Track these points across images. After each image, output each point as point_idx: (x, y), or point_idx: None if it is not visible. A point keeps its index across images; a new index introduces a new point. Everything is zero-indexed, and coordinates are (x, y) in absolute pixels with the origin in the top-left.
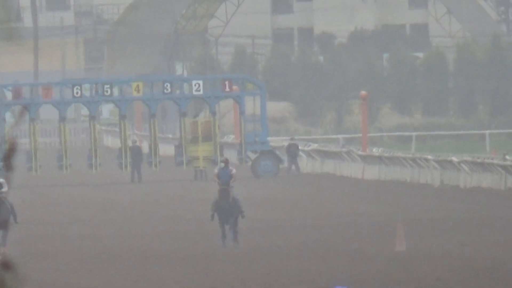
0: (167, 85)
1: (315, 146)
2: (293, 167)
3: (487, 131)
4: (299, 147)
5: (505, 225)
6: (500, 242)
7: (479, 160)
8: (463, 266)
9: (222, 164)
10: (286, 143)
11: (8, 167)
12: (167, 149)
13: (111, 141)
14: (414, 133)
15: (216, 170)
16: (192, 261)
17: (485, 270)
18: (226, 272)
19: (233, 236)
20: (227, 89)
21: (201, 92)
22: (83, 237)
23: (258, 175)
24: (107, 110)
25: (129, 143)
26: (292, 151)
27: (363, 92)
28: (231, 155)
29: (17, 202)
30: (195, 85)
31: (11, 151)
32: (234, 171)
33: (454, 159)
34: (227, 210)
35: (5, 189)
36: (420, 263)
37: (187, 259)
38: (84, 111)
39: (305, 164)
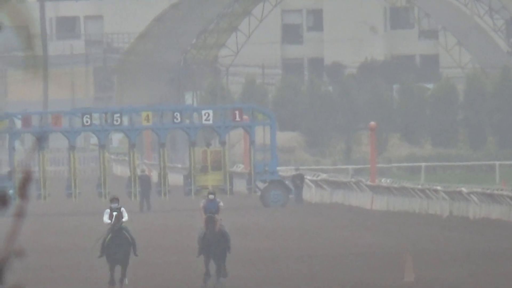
0: (177, 115)
1: (324, 176)
2: (296, 197)
3: (497, 162)
4: (305, 178)
5: None
6: (509, 274)
7: (488, 191)
8: None
9: (212, 196)
10: (292, 174)
11: (23, 196)
12: (176, 179)
13: (120, 170)
14: (423, 164)
15: (201, 203)
16: None
17: None
18: None
19: (217, 273)
20: (237, 118)
21: (211, 121)
22: (90, 265)
23: (267, 204)
24: (116, 139)
25: (138, 172)
26: (297, 182)
27: (372, 123)
28: (240, 185)
29: (25, 230)
30: (205, 114)
31: (26, 180)
32: (221, 203)
33: (464, 190)
34: (213, 241)
35: (125, 218)
36: None
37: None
38: (94, 140)
39: (314, 194)
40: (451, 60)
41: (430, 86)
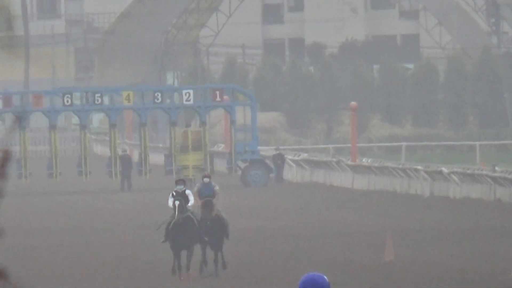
0: (157, 95)
1: (305, 155)
2: (277, 177)
3: (477, 143)
4: (286, 157)
5: (494, 236)
6: (489, 253)
7: (468, 171)
8: (452, 277)
9: (207, 179)
10: (272, 154)
11: (2, 175)
12: (157, 158)
13: (101, 150)
14: (404, 144)
15: (196, 187)
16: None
17: (474, 281)
18: (214, 280)
19: (215, 262)
20: (218, 99)
21: (192, 101)
22: (72, 245)
23: (247, 184)
24: (97, 119)
25: (119, 152)
26: (278, 161)
27: (353, 103)
28: (221, 165)
29: (6, 210)
30: (185, 94)
31: (5, 159)
32: (217, 187)
33: (444, 170)
34: (209, 226)
35: (192, 202)
36: (408, 274)
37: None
38: (75, 119)
39: (295, 174)
40: (431, 41)
41: (410, 66)
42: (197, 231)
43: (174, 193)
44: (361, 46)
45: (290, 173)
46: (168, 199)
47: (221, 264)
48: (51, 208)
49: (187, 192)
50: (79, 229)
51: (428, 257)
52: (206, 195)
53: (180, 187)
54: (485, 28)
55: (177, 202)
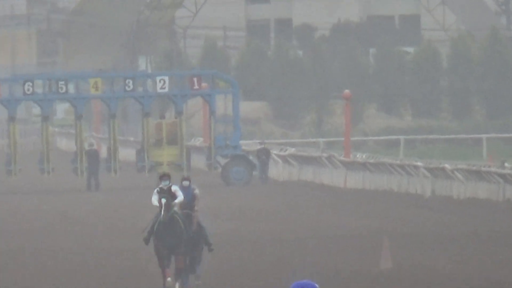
0: (129, 82)
1: (292, 150)
2: (261, 174)
3: (484, 136)
4: (272, 152)
5: (502, 240)
6: (496, 259)
7: (474, 168)
8: (456, 286)
9: (186, 182)
10: (256, 148)
11: None
12: (128, 153)
13: (66, 144)
14: (402, 137)
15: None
16: (154, 279)
17: None
18: None
19: (194, 273)
20: (196, 86)
21: (167, 89)
22: (35, 251)
23: (228, 182)
24: (61, 109)
25: (86, 147)
26: (263, 157)
27: (346, 91)
28: (199, 160)
29: None
30: (160, 81)
31: None
32: (197, 190)
33: (447, 166)
34: (190, 238)
35: (179, 199)
36: (407, 282)
37: (148, 277)
38: (36, 110)
39: (281, 171)
40: (433, 22)
41: (410, 50)
42: (183, 233)
43: (159, 190)
44: (355, 27)
45: (276, 170)
46: (152, 197)
47: (191, 270)
48: (10, 209)
49: (173, 188)
50: (42, 233)
51: (429, 264)
52: (186, 201)
53: (165, 183)
54: (493, 8)
55: (163, 200)
